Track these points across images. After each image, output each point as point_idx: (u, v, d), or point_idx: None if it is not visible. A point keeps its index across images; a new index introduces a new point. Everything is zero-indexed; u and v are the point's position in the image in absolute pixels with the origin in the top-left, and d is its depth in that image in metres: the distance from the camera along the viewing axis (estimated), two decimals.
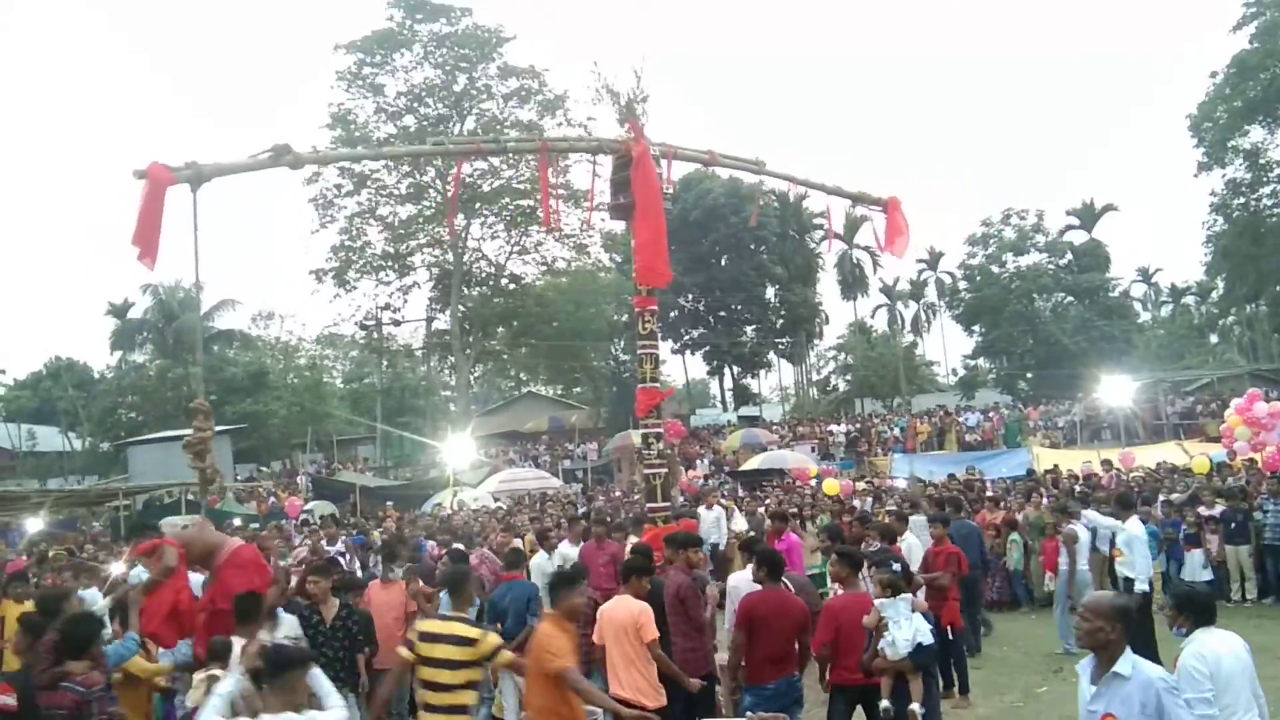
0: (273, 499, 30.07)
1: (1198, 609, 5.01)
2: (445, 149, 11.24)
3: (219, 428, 40.73)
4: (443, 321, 47.98)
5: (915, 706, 5.84)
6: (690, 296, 52.45)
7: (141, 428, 45.15)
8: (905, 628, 6.46)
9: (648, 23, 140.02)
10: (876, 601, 6.67)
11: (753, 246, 50.93)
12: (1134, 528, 10.39)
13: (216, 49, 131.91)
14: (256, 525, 22.99)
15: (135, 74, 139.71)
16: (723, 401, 62.14)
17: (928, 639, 6.50)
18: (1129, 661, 4.24)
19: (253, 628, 6.30)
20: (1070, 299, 50.15)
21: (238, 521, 23.40)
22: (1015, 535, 14.51)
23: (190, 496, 27.73)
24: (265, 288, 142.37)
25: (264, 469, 45.07)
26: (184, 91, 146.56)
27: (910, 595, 6.65)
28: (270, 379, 47.79)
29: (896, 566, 6.67)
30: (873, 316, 68.77)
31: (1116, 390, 29.40)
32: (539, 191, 43.61)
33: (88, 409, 50.82)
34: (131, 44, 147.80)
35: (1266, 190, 40.78)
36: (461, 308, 46.28)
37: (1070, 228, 54.00)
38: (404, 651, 5.71)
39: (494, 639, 5.73)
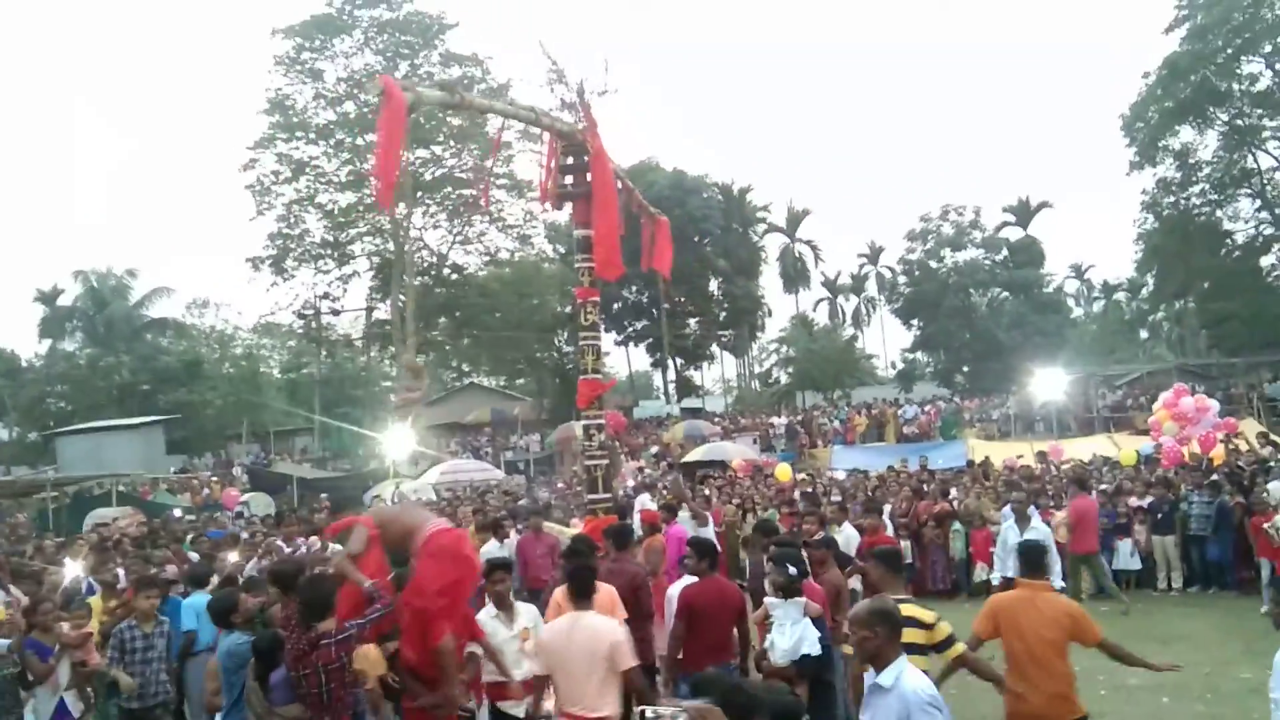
0: (207, 491, 29.55)
1: None
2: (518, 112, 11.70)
3: (150, 418, 40.16)
4: (383, 311, 47.48)
5: None
6: (634, 288, 52.40)
7: (71, 417, 44.13)
8: (788, 633, 6.16)
9: (589, 15, 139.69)
10: (766, 600, 6.42)
11: (696, 239, 50.94)
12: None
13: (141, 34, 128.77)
14: (192, 517, 22.61)
15: (54, 59, 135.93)
16: (665, 393, 62.29)
17: (815, 649, 6.17)
18: (893, 672, 4.13)
19: (587, 604, 5.59)
20: (1006, 294, 50.87)
21: (178, 513, 22.94)
22: (957, 525, 14.80)
23: (121, 488, 27.04)
24: (200, 275, 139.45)
25: (198, 460, 44.21)
26: (118, 74, 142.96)
27: (804, 600, 6.32)
28: (205, 368, 46.95)
29: (793, 570, 6.34)
30: (814, 310, 69.73)
31: (1049, 383, 30.05)
32: (483, 180, 43.56)
33: (15, 398, 49.42)
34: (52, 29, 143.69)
35: (1195, 190, 41.75)
36: (403, 297, 45.85)
37: (1006, 224, 54.87)
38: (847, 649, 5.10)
39: (946, 626, 5.17)
